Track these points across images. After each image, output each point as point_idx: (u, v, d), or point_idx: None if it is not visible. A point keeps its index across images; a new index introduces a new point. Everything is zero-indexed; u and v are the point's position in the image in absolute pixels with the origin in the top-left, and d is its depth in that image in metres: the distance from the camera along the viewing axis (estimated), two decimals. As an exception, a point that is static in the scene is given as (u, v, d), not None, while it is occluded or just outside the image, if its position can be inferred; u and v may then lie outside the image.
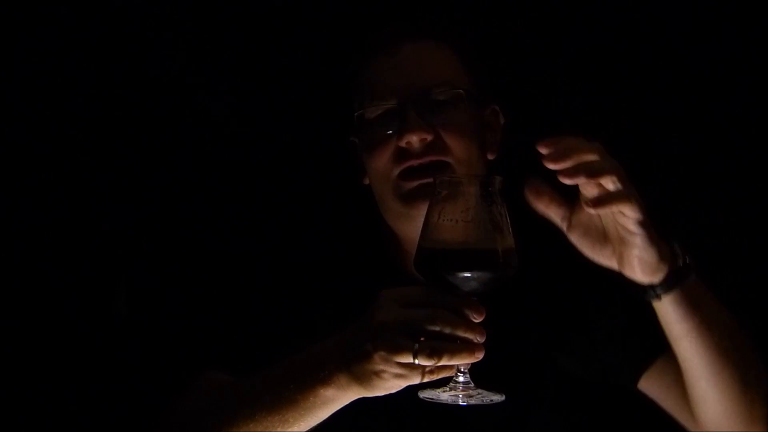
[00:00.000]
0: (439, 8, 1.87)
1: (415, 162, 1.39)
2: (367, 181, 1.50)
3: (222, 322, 1.59)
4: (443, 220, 1.15)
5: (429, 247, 1.17)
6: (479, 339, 1.14)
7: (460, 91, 1.42)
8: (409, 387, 1.18)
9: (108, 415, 1.83)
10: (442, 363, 1.13)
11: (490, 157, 1.49)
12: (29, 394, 1.82)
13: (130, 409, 1.81)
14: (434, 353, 1.12)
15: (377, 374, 1.15)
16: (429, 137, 1.39)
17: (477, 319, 1.15)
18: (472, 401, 1.17)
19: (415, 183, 1.39)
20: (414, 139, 1.38)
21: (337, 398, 1.21)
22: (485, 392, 1.18)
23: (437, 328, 1.13)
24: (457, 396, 1.17)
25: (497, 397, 1.18)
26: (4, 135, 1.87)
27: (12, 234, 1.86)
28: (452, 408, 1.18)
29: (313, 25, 1.95)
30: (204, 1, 1.95)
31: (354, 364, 1.16)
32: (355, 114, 1.45)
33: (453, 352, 1.13)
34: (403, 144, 1.39)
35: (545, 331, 1.47)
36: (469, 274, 1.14)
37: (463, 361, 1.14)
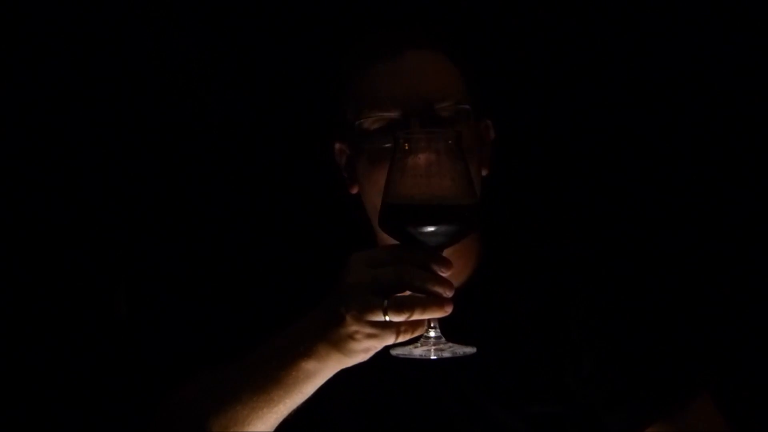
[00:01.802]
0: (432, 15, 1.87)
1: None
2: (355, 190, 1.46)
3: (221, 323, 1.62)
4: (406, 176, 1.16)
5: (393, 203, 1.17)
6: (448, 293, 1.15)
7: (466, 107, 1.39)
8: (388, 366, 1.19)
9: (108, 415, 1.84)
10: (413, 318, 1.14)
11: (483, 173, 1.44)
12: (29, 394, 1.84)
13: (129, 409, 1.83)
14: (404, 308, 1.13)
15: (351, 336, 1.17)
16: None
17: (445, 273, 1.16)
18: (444, 354, 1.17)
19: None
20: (419, 157, 1.30)
21: (318, 371, 1.22)
22: (456, 345, 1.18)
23: (406, 284, 1.14)
24: (429, 350, 1.18)
25: (469, 350, 1.19)
26: (4, 135, 1.89)
27: (12, 234, 1.88)
28: (425, 367, 1.20)
29: (300, 28, 1.96)
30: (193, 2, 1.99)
31: (329, 331, 1.18)
32: (355, 123, 1.38)
33: (423, 305, 1.14)
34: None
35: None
36: (434, 228, 1.15)
37: (434, 315, 1.15)
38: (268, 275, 1.58)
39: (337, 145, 1.49)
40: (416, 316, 1.14)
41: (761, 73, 1.84)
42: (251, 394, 1.26)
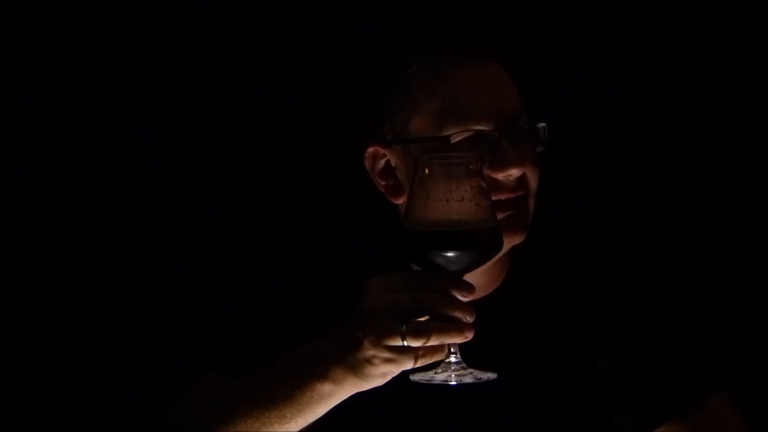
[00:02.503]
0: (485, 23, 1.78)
1: (511, 195, 1.33)
2: (401, 200, 1.38)
3: (223, 323, 1.60)
4: (427, 201, 1.14)
5: (413, 228, 1.15)
6: (468, 318, 1.14)
7: (545, 124, 1.36)
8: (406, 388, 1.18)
9: (108, 417, 1.83)
10: (431, 343, 1.12)
11: None
12: (29, 395, 1.83)
13: (130, 411, 1.82)
14: (422, 332, 1.12)
15: (369, 361, 1.15)
16: (523, 171, 1.32)
17: (466, 298, 1.15)
18: (465, 380, 1.16)
19: (505, 214, 1.31)
20: (515, 173, 1.32)
21: (333, 393, 1.21)
22: (477, 371, 1.17)
23: (424, 309, 1.13)
24: (450, 376, 1.16)
25: (490, 375, 1.17)
26: (4, 135, 1.87)
27: (11, 235, 1.86)
28: (445, 393, 1.19)
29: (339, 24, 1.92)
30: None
31: (347, 354, 1.16)
32: (441, 135, 1.32)
33: (441, 331, 1.12)
34: (500, 176, 1.31)
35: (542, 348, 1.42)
36: (454, 254, 1.13)
37: (453, 340, 1.14)
38: (276, 278, 1.54)
39: (371, 149, 1.41)
40: (435, 342, 1.13)
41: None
42: (263, 409, 1.25)
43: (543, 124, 1.36)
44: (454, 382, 1.16)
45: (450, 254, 1.13)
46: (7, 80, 1.86)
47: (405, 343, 1.12)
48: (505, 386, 1.32)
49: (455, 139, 1.32)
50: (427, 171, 1.15)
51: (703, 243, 1.85)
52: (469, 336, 1.13)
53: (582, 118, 1.88)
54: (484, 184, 1.15)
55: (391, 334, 1.12)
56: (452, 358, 1.17)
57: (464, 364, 1.17)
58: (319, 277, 1.48)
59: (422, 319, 1.14)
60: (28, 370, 1.84)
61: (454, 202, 1.13)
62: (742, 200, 1.85)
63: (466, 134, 1.32)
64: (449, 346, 1.16)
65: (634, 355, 1.37)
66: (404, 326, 1.12)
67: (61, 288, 1.88)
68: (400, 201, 1.39)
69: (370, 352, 1.14)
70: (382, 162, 1.41)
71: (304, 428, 1.27)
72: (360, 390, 1.20)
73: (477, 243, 1.14)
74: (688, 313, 1.44)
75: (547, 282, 1.43)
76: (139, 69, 1.91)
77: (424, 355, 1.14)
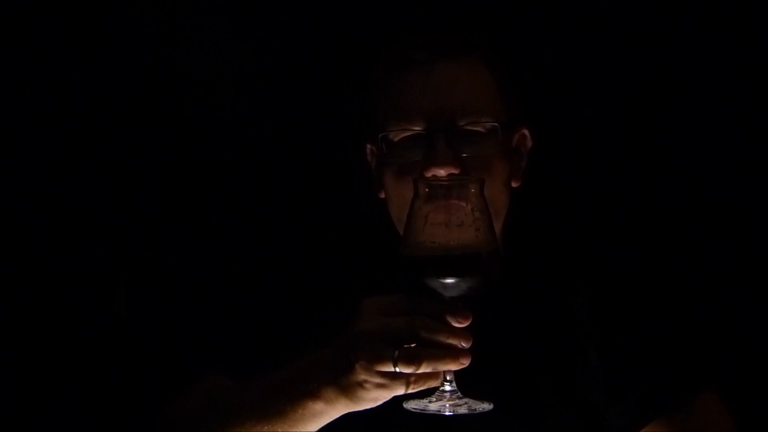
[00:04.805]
0: (471, 17, 1.82)
1: None
2: (382, 195, 1.42)
3: (224, 324, 1.59)
4: (425, 224, 1.10)
5: (411, 254, 1.12)
6: (464, 345, 1.09)
7: (495, 124, 1.33)
8: (397, 400, 1.15)
9: (107, 418, 1.83)
10: (423, 370, 1.08)
11: (514, 184, 1.40)
12: (29, 395, 1.83)
13: (128, 411, 1.81)
14: (414, 360, 1.08)
15: (360, 385, 1.12)
16: (456, 171, 1.29)
17: (462, 324, 1.10)
18: (460, 410, 1.12)
19: None
20: (441, 173, 1.29)
21: (325, 412, 1.18)
22: (472, 401, 1.13)
23: (417, 336, 1.09)
24: (444, 405, 1.12)
25: (486, 406, 1.13)
26: (5, 135, 1.87)
27: (12, 235, 1.86)
28: (439, 420, 1.14)
29: (329, 23, 1.91)
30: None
31: (339, 377, 1.14)
32: (379, 134, 1.35)
33: (434, 358, 1.08)
34: (428, 175, 1.29)
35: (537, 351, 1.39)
36: (454, 280, 1.09)
37: (447, 367, 1.10)
38: (277, 281, 1.53)
39: (369, 147, 1.45)
40: (427, 368, 1.09)
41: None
42: (255, 422, 1.23)
43: (494, 124, 1.33)
44: (448, 413, 1.12)
45: (444, 280, 1.09)
46: (8, 80, 1.86)
47: (397, 369, 1.08)
48: (501, 385, 1.30)
49: (394, 138, 1.34)
50: (424, 192, 1.12)
51: (695, 244, 1.83)
52: (465, 363, 1.09)
53: (576, 118, 1.86)
54: (485, 208, 1.11)
55: (383, 359, 1.09)
56: (447, 387, 1.13)
57: (459, 393, 1.12)
58: (319, 283, 1.46)
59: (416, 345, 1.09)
60: (27, 370, 1.84)
61: (450, 226, 1.09)
62: (733, 204, 1.82)
63: (403, 134, 1.33)
64: (444, 373, 1.12)
65: (625, 351, 1.35)
66: (396, 352, 1.08)
67: (62, 288, 1.88)
68: (381, 196, 1.42)
69: (362, 376, 1.11)
70: (375, 159, 1.44)
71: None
72: (352, 410, 1.17)
73: (474, 269, 1.10)
74: (680, 312, 1.42)
75: (539, 279, 1.41)
76: (139, 69, 1.90)
77: (416, 382, 1.11)
